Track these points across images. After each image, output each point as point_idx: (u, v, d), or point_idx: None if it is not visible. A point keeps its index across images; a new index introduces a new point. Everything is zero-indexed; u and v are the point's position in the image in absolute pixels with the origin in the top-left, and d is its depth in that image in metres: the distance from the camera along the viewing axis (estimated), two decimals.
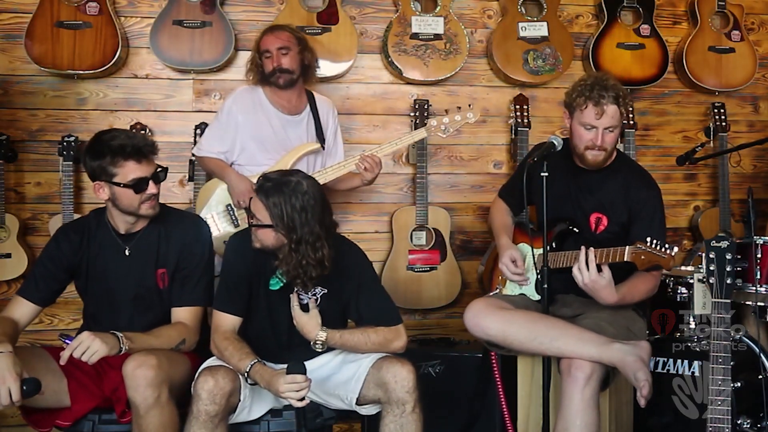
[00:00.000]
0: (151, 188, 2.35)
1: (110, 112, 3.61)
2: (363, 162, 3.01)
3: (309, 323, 2.33)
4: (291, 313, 2.36)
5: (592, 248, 2.39)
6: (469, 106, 3.12)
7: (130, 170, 2.31)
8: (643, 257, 2.30)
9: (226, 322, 2.36)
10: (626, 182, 2.61)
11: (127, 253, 2.44)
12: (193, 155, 3.30)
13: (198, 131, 3.48)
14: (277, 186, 2.28)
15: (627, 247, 2.34)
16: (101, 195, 2.35)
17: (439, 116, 3.14)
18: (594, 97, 2.45)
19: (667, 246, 2.28)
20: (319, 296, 2.41)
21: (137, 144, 2.33)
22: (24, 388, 2.04)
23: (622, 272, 2.48)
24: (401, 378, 2.24)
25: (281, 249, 2.31)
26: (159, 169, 2.40)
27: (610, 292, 2.38)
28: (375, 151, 3.05)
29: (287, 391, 2.10)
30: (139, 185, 2.32)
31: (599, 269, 2.36)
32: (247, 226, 2.42)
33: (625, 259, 2.34)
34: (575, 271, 2.38)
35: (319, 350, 2.33)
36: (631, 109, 3.77)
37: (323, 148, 3.16)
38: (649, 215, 2.55)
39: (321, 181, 2.99)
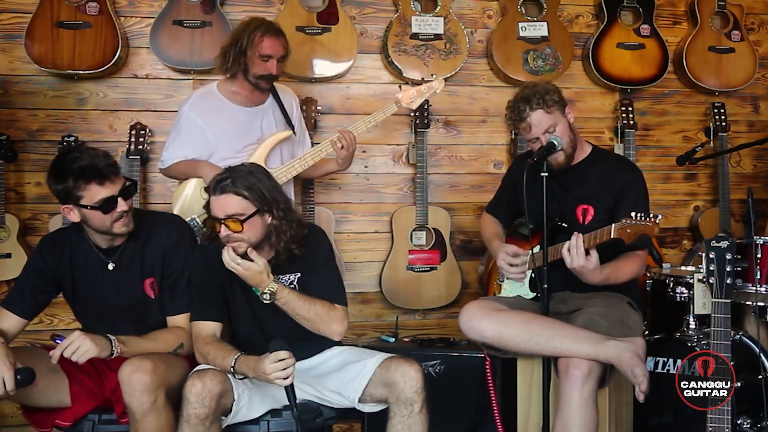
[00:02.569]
0: (121, 205, 2.27)
1: (110, 112, 3.61)
2: (340, 140, 2.96)
3: (262, 273, 2.26)
4: (277, 311, 2.32)
5: (581, 234, 2.41)
6: (432, 76, 3.16)
7: (95, 192, 2.22)
8: (629, 230, 2.32)
9: (206, 329, 2.36)
10: (606, 169, 2.67)
11: (110, 267, 2.40)
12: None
13: None
14: (237, 176, 2.28)
15: (612, 224, 2.37)
16: (72, 217, 2.29)
17: (405, 89, 3.15)
18: (515, 117, 2.58)
19: (651, 215, 2.30)
20: (296, 282, 2.42)
21: (97, 165, 2.22)
22: (18, 377, 2.03)
23: (612, 253, 2.53)
24: (410, 378, 2.24)
25: (271, 231, 2.31)
26: (128, 183, 2.31)
27: (596, 273, 2.43)
28: (350, 129, 3.02)
29: (273, 371, 2.08)
30: (106, 205, 2.24)
31: (587, 253, 2.39)
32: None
33: (612, 236, 2.36)
34: (564, 251, 2.41)
35: (267, 301, 2.28)
36: (632, 109, 3.80)
37: (295, 134, 3.12)
38: (633, 196, 2.59)
39: (300, 169, 2.98)
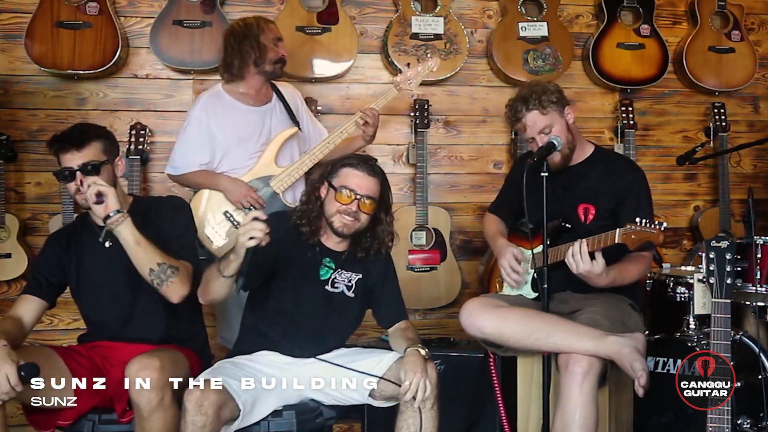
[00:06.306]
0: (78, 179, 2.30)
1: (110, 112, 3.61)
2: (363, 117, 3.00)
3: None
4: (320, 304, 2.41)
5: (584, 240, 2.40)
6: (428, 55, 3.15)
7: (62, 160, 2.33)
8: (633, 236, 2.32)
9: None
10: (608, 169, 2.65)
11: (107, 245, 2.42)
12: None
13: None
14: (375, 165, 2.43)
15: (617, 229, 2.36)
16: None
17: (402, 73, 3.15)
18: (513, 116, 2.61)
19: (656, 222, 2.30)
20: (354, 282, 2.46)
21: (65, 134, 2.34)
22: (22, 373, 2.03)
23: (618, 252, 2.51)
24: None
25: (374, 223, 2.43)
26: (90, 164, 2.30)
27: (602, 277, 2.42)
28: (371, 106, 3.04)
29: (243, 231, 2.04)
30: (60, 174, 2.34)
31: (592, 257, 2.38)
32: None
33: (616, 241, 2.35)
34: (569, 257, 2.40)
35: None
36: (631, 109, 3.80)
37: (301, 131, 3.11)
38: (636, 198, 2.59)
39: (326, 151, 3.00)
